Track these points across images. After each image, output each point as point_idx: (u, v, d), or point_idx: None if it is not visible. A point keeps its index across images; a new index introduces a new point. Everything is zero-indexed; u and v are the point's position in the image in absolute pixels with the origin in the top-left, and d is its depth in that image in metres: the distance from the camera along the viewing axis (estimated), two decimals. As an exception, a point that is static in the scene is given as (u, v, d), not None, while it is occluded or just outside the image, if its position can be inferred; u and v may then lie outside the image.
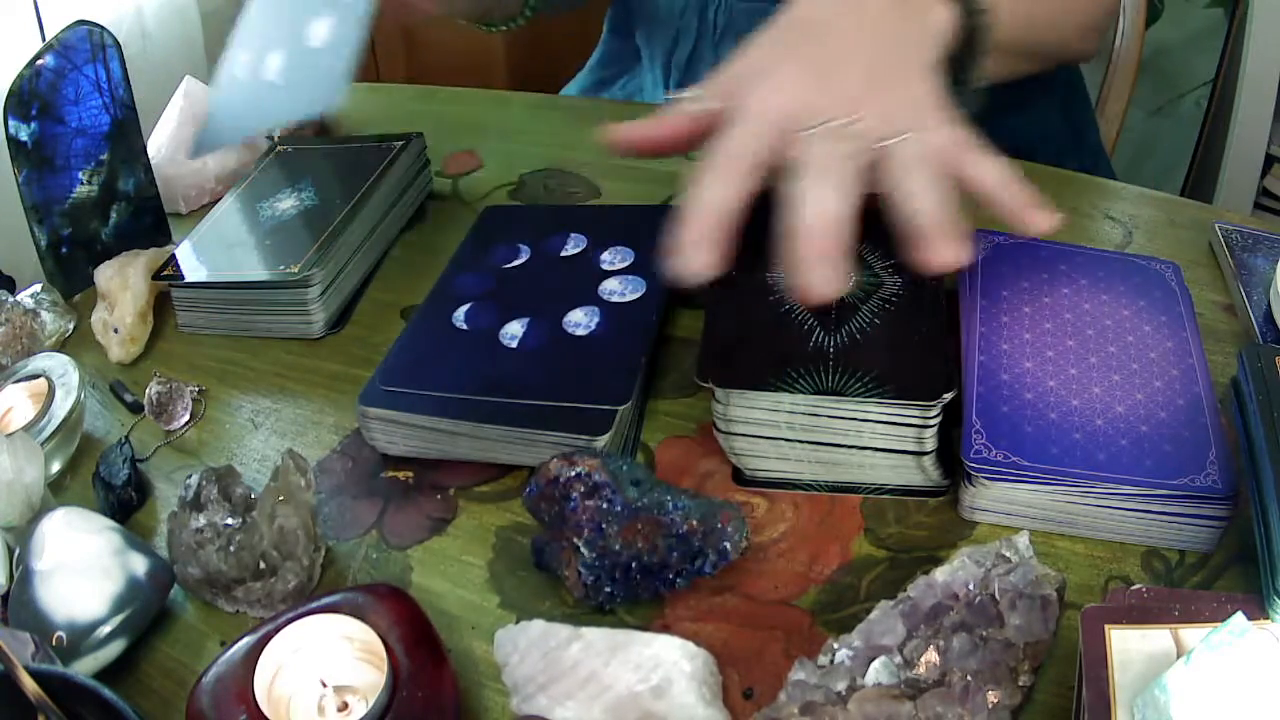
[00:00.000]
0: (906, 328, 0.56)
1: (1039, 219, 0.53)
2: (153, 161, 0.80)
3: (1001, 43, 0.63)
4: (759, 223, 0.66)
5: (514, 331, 0.64)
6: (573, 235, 0.72)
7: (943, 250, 0.51)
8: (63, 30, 0.72)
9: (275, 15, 0.72)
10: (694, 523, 0.51)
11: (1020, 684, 0.44)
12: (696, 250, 0.51)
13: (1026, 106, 0.93)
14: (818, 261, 0.49)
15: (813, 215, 0.50)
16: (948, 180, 0.52)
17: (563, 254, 0.70)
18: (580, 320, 0.64)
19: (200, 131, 0.77)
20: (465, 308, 0.66)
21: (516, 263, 0.70)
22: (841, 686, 0.44)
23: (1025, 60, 0.78)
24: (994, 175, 0.53)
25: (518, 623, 0.50)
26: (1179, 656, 0.41)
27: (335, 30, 0.66)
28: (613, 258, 0.69)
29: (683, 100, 0.57)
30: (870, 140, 0.52)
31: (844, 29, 0.56)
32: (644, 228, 0.72)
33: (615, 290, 0.66)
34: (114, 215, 0.78)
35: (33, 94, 0.70)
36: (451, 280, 0.69)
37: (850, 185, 0.51)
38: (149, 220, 0.80)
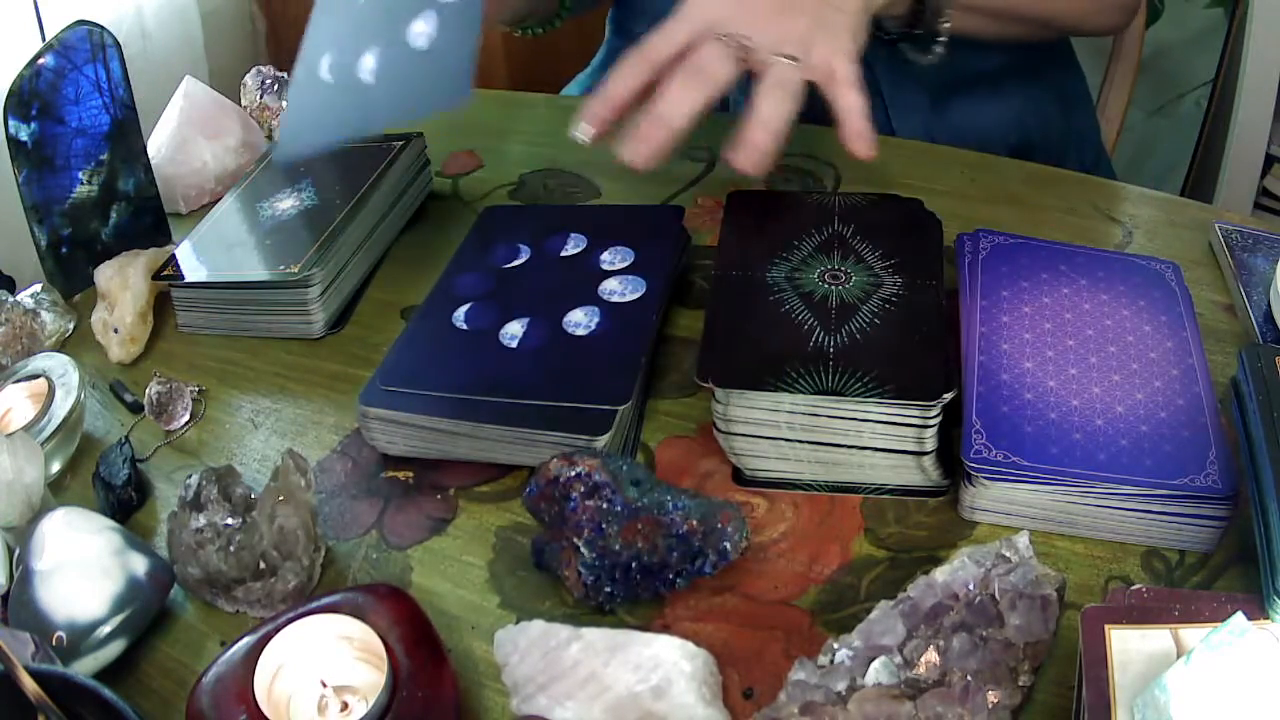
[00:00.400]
0: (906, 328, 0.56)
1: (861, 148, 0.62)
2: (153, 161, 0.80)
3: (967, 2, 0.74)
4: (759, 224, 0.66)
5: (514, 331, 0.64)
6: (573, 235, 0.72)
7: (742, 156, 0.61)
8: (63, 30, 0.72)
9: (362, 13, 0.69)
10: (694, 523, 0.51)
11: (1020, 684, 0.44)
12: (585, 121, 0.63)
13: (1027, 106, 0.93)
14: (640, 139, 0.61)
15: (662, 104, 0.61)
16: (798, 107, 0.61)
17: (563, 254, 0.70)
18: (580, 320, 0.64)
19: (280, 133, 0.73)
20: (465, 308, 0.66)
21: (516, 263, 0.70)
22: (841, 686, 0.44)
23: (1013, 23, 0.82)
24: (852, 106, 0.62)
25: (518, 623, 0.50)
26: (1179, 656, 0.41)
27: (443, 29, 0.64)
28: (613, 258, 0.69)
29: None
30: (755, 54, 0.61)
31: None
32: (644, 228, 0.72)
33: (615, 290, 0.66)
34: (114, 215, 0.77)
35: (33, 94, 0.70)
36: (451, 280, 0.69)
37: (711, 88, 0.61)
38: (149, 220, 0.80)
